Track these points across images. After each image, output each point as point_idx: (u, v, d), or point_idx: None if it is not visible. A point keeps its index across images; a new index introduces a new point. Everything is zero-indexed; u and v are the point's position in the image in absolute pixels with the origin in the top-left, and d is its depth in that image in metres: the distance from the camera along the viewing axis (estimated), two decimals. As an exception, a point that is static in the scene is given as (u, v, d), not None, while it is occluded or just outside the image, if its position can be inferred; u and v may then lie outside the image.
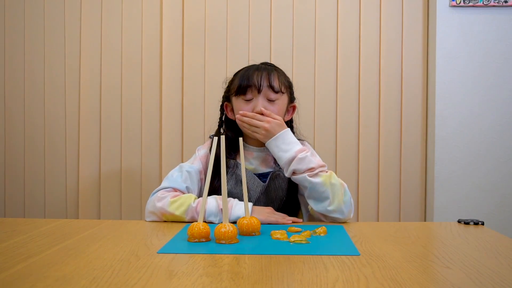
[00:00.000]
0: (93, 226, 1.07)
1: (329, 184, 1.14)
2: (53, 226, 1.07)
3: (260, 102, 1.23)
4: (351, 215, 1.16)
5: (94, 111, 2.05)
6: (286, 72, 1.36)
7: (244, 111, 1.23)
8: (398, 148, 2.02)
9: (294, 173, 1.16)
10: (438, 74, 1.93)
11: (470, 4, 1.90)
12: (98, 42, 2.04)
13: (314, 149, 1.33)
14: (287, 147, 1.17)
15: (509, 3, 1.89)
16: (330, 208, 1.13)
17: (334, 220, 1.15)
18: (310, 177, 1.14)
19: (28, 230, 1.02)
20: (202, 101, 2.02)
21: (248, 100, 1.25)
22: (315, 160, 1.17)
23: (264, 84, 1.24)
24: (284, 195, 1.26)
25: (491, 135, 1.93)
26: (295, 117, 1.38)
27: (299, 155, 1.15)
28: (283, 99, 1.28)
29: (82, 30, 2.04)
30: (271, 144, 1.20)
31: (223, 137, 1.00)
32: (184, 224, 1.09)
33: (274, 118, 1.21)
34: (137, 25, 2.04)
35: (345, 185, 1.17)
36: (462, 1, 1.90)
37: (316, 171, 1.15)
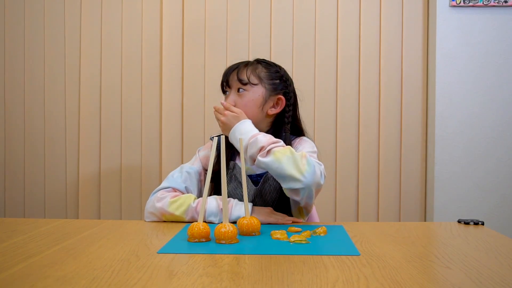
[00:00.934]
0: (93, 226, 1.07)
1: (283, 158, 1.07)
2: (53, 226, 1.07)
3: (229, 96, 1.27)
4: (321, 180, 1.09)
5: (94, 110, 2.05)
6: (286, 72, 1.34)
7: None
8: (398, 148, 2.02)
9: (254, 160, 1.13)
10: (438, 74, 1.93)
11: (470, 4, 1.90)
12: (98, 42, 2.04)
13: (311, 141, 1.31)
14: (243, 137, 1.15)
15: (509, 3, 1.89)
16: (293, 179, 1.07)
17: (304, 194, 1.09)
18: (262, 157, 1.09)
19: (28, 230, 1.02)
20: (202, 101, 2.02)
21: (227, 95, 1.29)
22: (266, 138, 1.12)
23: (233, 78, 1.26)
24: (277, 195, 1.25)
25: (491, 135, 1.93)
26: (300, 111, 1.35)
27: (250, 140, 1.12)
28: (255, 91, 1.26)
29: (82, 30, 2.04)
30: (231, 138, 1.19)
31: (223, 137, 1.01)
32: (184, 224, 1.09)
33: (232, 111, 1.21)
34: (137, 25, 2.04)
35: (308, 155, 1.10)
36: (462, 1, 1.90)
37: (267, 148, 1.10)
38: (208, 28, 2.02)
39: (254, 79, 1.26)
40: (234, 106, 1.23)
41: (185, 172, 1.25)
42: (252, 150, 1.12)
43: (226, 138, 1.22)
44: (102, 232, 1.01)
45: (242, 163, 1.05)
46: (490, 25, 1.92)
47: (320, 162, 1.15)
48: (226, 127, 1.20)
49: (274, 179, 1.24)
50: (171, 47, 2.03)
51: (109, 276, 0.69)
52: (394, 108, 2.01)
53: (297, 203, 1.22)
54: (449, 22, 1.92)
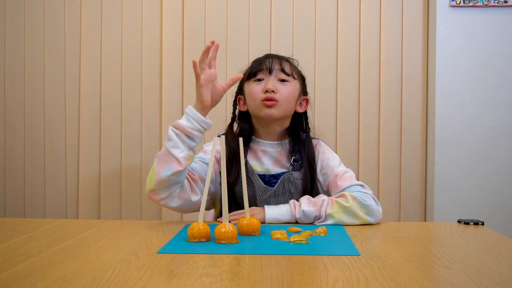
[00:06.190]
0: (93, 226, 1.07)
1: (342, 216, 1.10)
2: (53, 226, 1.07)
3: (271, 81, 1.23)
4: (379, 206, 1.15)
5: (94, 111, 2.05)
6: None
7: (255, 91, 1.24)
8: (398, 148, 2.02)
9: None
10: (438, 75, 1.93)
11: (470, 4, 1.90)
12: (98, 43, 2.04)
13: (329, 147, 1.35)
14: (282, 218, 1.13)
15: (509, 3, 1.89)
16: (363, 223, 1.12)
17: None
18: (322, 223, 1.11)
19: (28, 230, 1.02)
20: (202, 101, 2.02)
21: (259, 81, 1.26)
22: (311, 208, 1.12)
23: (275, 67, 1.25)
24: (297, 198, 1.22)
25: (491, 135, 1.93)
26: (310, 113, 1.38)
27: (298, 216, 1.12)
28: (295, 84, 1.28)
29: (82, 31, 2.04)
30: (273, 221, 1.13)
31: (223, 137, 1.02)
32: (184, 224, 1.09)
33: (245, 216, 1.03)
34: (137, 25, 2.04)
35: (356, 196, 1.13)
36: (462, 1, 1.90)
37: (322, 217, 1.11)
38: (208, 29, 2.02)
39: (294, 74, 1.28)
40: (276, 90, 1.22)
41: (197, 159, 1.25)
42: (307, 221, 1.12)
43: (240, 130, 1.27)
44: (102, 232, 1.01)
45: (242, 162, 1.04)
46: (490, 25, 1.92)
47: (363, 184, 1.20)
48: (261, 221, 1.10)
49: (292, 182, 1.24)
50: (171, 47, 2.03)
51: (109, 276, 0.69)
52: (394, 109, 2.01)
53: None
54: (449, 22, 1.92)
